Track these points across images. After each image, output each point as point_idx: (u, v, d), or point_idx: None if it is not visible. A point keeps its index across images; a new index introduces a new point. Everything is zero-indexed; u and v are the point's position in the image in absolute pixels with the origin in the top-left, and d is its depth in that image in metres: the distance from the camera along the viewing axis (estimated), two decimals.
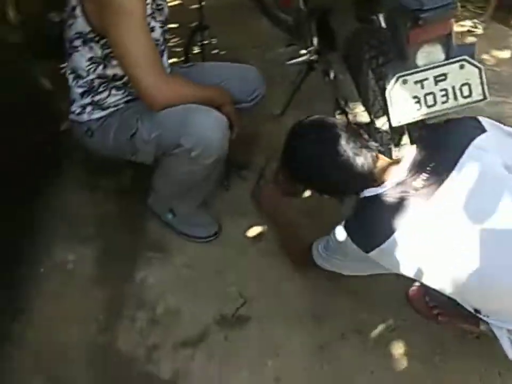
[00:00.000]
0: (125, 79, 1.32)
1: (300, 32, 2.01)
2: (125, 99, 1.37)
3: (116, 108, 1.36)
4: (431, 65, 0.99)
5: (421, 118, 1.03)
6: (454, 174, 0.89)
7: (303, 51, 1.79)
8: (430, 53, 0.99)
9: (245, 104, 1.53)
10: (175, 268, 1.50)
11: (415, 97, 1.01)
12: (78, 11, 1.16)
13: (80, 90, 1.34)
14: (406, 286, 1.32)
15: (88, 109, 1.36)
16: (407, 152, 0.98)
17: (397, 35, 1.01)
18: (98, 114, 1.36)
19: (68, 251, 1.47)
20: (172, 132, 1.20)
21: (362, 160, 0.96)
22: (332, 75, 1.62)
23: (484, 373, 1.17)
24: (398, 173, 0.95)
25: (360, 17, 1.59)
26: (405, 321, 1.29)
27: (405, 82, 1.00)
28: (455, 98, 1.00)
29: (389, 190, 0.95)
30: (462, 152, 0.90)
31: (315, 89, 2.19)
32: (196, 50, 2.27)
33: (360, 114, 1.44)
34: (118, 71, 1.29)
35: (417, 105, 1.01)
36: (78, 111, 1.38)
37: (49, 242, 1.49)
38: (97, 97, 1.33)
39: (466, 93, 1.00)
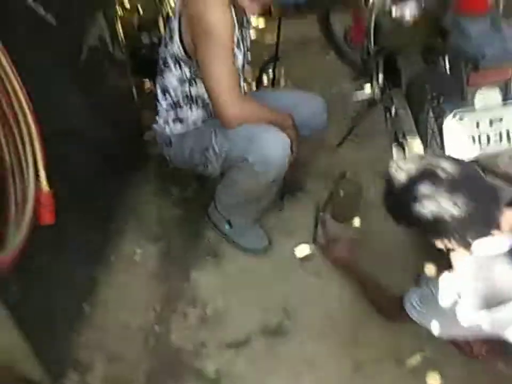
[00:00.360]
0: (206, 99, 1.49)
1: (366, 69, 2.13)
2: (203, 118, 1.54)
3: (194, 126, 1.54)
4: (488, 107, 1.05)
5: (473, 156, 1.08)
6: None
7: (367, 87, 1.88)
8: (488, 95, 1.05)
9: (305, 132, 1.64)
10: (226, 273, 1.62)
11: (470, 136, 1.07)
12: (175, 35, 1.35)
13: (165, 105, 1.53)
14: None
15: (171, 123, 1.55)
16: None
17: (458, 77, 1.09)
18: (179, 128, 1.55)
19: (136, 245, 1.66)
20: (240, 147, 1.34)
21: None
22: (393, 111, 1.69)
23: None
24: None
25: (426, 59, 1.68)
26: (443, 354, 1.29)
27: (461, 118, 1.06)
28: (509, 140, 1.05)
29: None
30: None
31: (373, 125, 2.28)
32: (266, 80, 2.44)
33: (417, 148, 1.49)
34: (200, 90, 1.46)
35: (471, 143, 1.07)
36: (162, 123, 1.57)
37: (121, 235, 1.68)
38: (180, 114, 1.52)
39: None
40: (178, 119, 1.53)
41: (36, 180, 0.91)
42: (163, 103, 1.54)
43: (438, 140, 1.32)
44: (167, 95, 1.51)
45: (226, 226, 1.72)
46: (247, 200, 1.54)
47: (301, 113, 1.56)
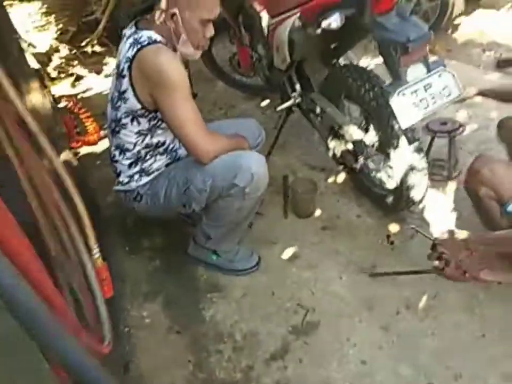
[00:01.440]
0: (167, 144, 1.54)
1: (272, 84, 2.38)
2: (166, 162, 1.57)
3: (158, 172, 1.56)
4: (419, 79, 1.35)
5: (421, 117, 1.36)
6: None
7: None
8: (416, 70, 1.35)
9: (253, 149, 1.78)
10: (235, 300, 1.64)
11: (413, 103, 1.34)
12: (128, 93, 1.38)
13: (127, 162, 1.52)
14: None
15: (136, 177, 1.54)
16: None
17: (390, 62, 1.36)
18: (145, 180, 1.55)
19: (139, 308, 1.57)
20: (225, 176, 1.41)
21: None
22: (318, 111, 1.95)
23: None
24: None
25: (326, 62, 1.99)
26: (443, 288, 1.53)
27: (404, 94, 1.34)
28: (441, 98, 1.36)
29: None
30: None
31: (292, 130, 2.56)
32: None
33: (355, 133, 1.75)
34: (161, 138, 1.51)
35: (416, 109, 1.35)
36: (126, 180, 1.55)
37: (121, 303, 1.57)
38: (144, 165, 1.53)
39: (447, 93, 1.36)
40: (143, 171, 1.54)
41: (90, 256, 0.87)
42: (124, 162, 1.53)
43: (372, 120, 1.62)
44: (126, 153, 1.51)
45: (214, 257, 1.75)
46: (237, 223, 1.59)
47: (246, 135, 1.68)
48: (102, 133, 2.96)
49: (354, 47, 1.97)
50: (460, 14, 3.51)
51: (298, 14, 1.69)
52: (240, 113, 3.04)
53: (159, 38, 1.36)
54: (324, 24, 1.38)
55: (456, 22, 3.71)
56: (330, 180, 2.20)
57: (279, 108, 2.12)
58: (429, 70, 1.36)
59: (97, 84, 4.01)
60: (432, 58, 1.39)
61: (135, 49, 1.32)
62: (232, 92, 3.21)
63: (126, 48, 1.35)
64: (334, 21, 1.37)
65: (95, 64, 4.10)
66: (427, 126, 1.97)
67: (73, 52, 3.98)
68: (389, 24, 1.33)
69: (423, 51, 1.33)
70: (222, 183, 1.42)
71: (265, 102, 3.08)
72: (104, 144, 2.84)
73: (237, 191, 1.43)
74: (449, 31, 3.71)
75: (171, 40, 1.40)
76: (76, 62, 4.02)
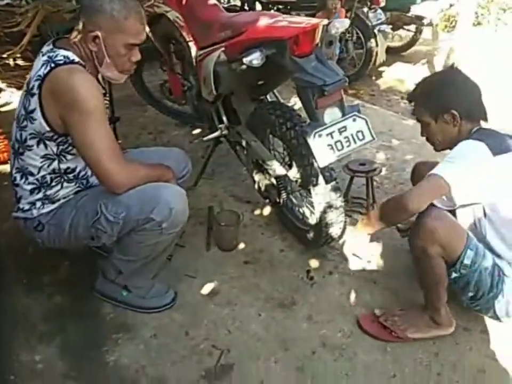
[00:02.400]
0: (77, 171, 1.42)
1: (199, 113, 2.37)
2: (75, 190, 1.45)
3: (65, 199, 1.43)
4: (334, 122, 1.39)
5: (336, 159, 1.40)
6: None
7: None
8: (331, 113, 1.40)
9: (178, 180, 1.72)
10: (144, 341, 1.51)
11: (329, 145, 1.38)
12: (36, 114, 1.26)
13: (29, 187, 1.38)
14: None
15: (38, 204, 1.40)
16: None
17: (307, 103, 1.40)
18: (48, 208, 1.41)
19: (32, 352, 1.38)
20: (141, 209, 1.32)
21: None
22: (244, 144, 1.95)
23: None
24: None
25: (253, 98, 2.02)
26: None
27: (320, 136, 1.37)
28: (355, 141, 1.41)
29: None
30: None
31: (220, 161, 2.55)
32: None
33: (278, 169, 1.77)
34: (71, 165, 1.39)
35: (331, 151, 1.39)
36: (26, 207, 1.40)
37: (10, 347, 1.37)
38: (49, 192, 1.39)
39: (361, 137, 1.42)
40: (47, 198, 1.40)
41: None
42: (25, 186, 1.39)
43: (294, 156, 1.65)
44: (29, 177, 1.38)
45: (124, 293, 1.62)
46: (153, 258, 1.49)
47: (172, 165, 1.61)
48: None
49: (281, 86, 2.03)
50: (383, 64, 3.82)
51: (223, 48, 1.70)
52: (169, 139, 2.99)
53: (76, 58, 1.28)
54: (245, 60, 1.40)
55: (379, 69, 4.04)
56: (256, 212, 2.19)
57: (205, 138, 2.11)
58: (344, 114, 1.41)
59: (16, 98, 3.73)
60: (349, 103, 1.46)
61: (48, 68, 1.23)
62: (162, 118, 3.17)
63: (39, 66, 1.26)
64: (255, 59, 1.39)
65: (16, 78, 3.83)
66: (347, 166, 2.06)
67: None
68: (307, 66, 1.37)
69: (338, 95, 1.39)
70: (138, 216, 1.33)
71: (196, 131, 3.06)
72: None
73: (153, 226, 1.34)
74: (373, 78, 4.02)
75: (90, 62, 1.33)
76: None
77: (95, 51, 1.31)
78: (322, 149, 1.37)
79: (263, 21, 1.52)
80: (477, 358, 1.43)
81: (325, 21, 1.41)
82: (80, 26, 1.30)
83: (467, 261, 1.32)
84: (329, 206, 1.62)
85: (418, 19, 4.00)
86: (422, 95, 1.42)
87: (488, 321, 1.52)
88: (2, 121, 2.85)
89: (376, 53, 3.61)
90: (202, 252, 1.94)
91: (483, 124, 1.41)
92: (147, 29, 1.40)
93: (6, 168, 2.52)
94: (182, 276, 1.79)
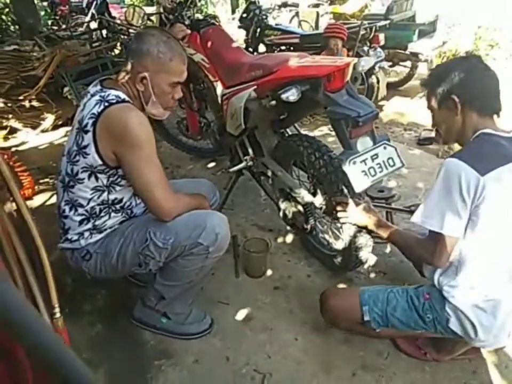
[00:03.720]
0: (124, 202, 1.49)
1: (222, 147, 2.49)
2: (121, 220, 1.51)
3: (111, 229, 1.49)
4: (367, 150, 1.50)
5: (370, 184, 1.50)
6: None
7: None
8: (364, 142, 1.51)
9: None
10: (186, 367, 1.54)
11: (363, 171, 1.48)
12: (89, 149, 1.35)
13: (79, 218, 1.45)
14: None
15: (86, 234, 1.46)
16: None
17: (341, 133, 1.51)
18: (96, 237, 1.47)
19: None
20: (189, 235, 1.39)
21: None
22: (270, 174, 2.05)
23: None
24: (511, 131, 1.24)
25: (275, 130, 2.14)
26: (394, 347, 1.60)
27: (354, 163, 1.48)
28: (386, 168, 1.52)
29: (504, 136, 1.22)
30: None
31: (239, 192, 2.64)
32: None
33: (306, 196, 1.86)
34: (118, 196, 1.47)
35: (366, 176, 1.49)
36: (75, 238, 1.46)
37: None
38: (97, 222, 1.46)
39: (392, 163, 1.53)
40: (95, 229, 1.47)
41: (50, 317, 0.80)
42: (75, 218, 1.45)
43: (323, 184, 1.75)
44: (78, 208, 1.44)
45: (163, 320, 1.66)
46: (194, 283, 1.55)
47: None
48: (37, 187, 2.82)
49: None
50: (383, 98, 4.03)
51: (254, 87, 1.83)
52: (186, 173, 3.09)
53: (126, 98, 1.38)
54: (284, 96, 1.52)
55: (380, 103, 4.24)
56: (280, 240, 2.26)
57: (231, 170, 2.20)
58: (375, 143, 1.53)
59: (32, 138, 3.85)
60: (377, 133, 1.57)
61: (102, 106, 1.33)
62: (177, 153, 3.28)
63: (91, 105, 1.35)
64: (291, 95, 1.51)
65: (31, 118, 3.96)
66: (366, 193, 2.15)
67: (8, 104, 3.82)
68: (340, 100, 1.50)
69: (370, 126, 1.51)
70: (186, 242, 1.40)
71: (212, 164, 3.17)
72: (39, 199, 2.68)
73: (200, 250, 1.41)
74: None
75: (136, 100, 1.44)
76: (10, 116, 3.85)
77: (142, 90, 1.42)
78: (357, 175, 1.47)
79: (293, 61, 1.66)
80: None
81: (355, 59, 1.55)
82: (129, 67, 1.41)
83: (367, 317, 1.40)
84: (359, 231, 1.69)
85: (415, 56, 4.26)
86: (431, 79, 1.35)
87: None
88: (24, 159, 2.94)
89: (378, 88, 3.81)
90: (232, 279, 2.00)
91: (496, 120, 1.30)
92: None
93: (31, 203, 2.59)
94: (215, 302, 1.84)
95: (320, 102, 1.55)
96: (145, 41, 1.37)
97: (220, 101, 2.18)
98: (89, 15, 6.90)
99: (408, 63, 4.51)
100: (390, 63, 4.28)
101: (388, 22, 3.94)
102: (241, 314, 1.78)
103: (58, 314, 0.79)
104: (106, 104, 1.34)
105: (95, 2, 7.18)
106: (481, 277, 1.27)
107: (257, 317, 1.77)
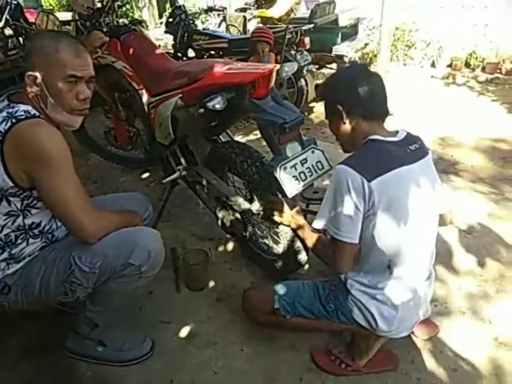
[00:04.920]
0: (42, 225, 1.36)
1: (152, 157, 2.40)
2: (41, 246, 1.38)
3: (31, 257, 1.36)
4: (296, 155, 1.52)
5: (302, 188, 1.51)
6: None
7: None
8: (292, 148, 1.52)
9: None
10: None
11: (294, 176, 1.49)
12: (0, 170, 1.21)
13: None
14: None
15: (2, 265, 1.32)
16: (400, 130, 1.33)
17: (270, 139, 1.51)
18: (14, 268, 1.33)
19: None
20: (118, 255, 1.30)
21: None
22: (204, 183, 2.00)
23: None
24: (398, 135, 1.30)
25: (207, 138, 2.11)
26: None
27: (285, 168, 1.48)
28: (316, 171, 1.54)
29: (390, 141, 1.26)
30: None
31: (176, 202, 2.56)
32: None
33: (243, 204, 1.84)
34: (35, 219, 1.33)
35: (297, 181, 1.50)
36: None
37: None
38: (14, 251, 1.32)
39: (320, 167, 1.56)
40: (12, 258, 1.33)
41: None
42: None
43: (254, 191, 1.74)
44: None
45: (99, 348, 1.55)
46: (129, 306, 1.46)
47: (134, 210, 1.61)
48: None
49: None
50: (313, 100, 4.14)
51: (180, 95, 1.77)
52: (118, 186, 2.94)
53: (37, 113, 1.27)
54: (209, 105, 1.48)
55: (310, 105, 4.36)
56: (220, 248, 2.22)
57: (165, 180, 2.12)
58: (303, 147, 1.55)
59: None
60: (304, 137, 1.59)
61: (9, 123, 1.20)
62: (107, 165, 3.11)
63: None
64: (217, 103, 1.49)
65: None
66: (302, 195, 2.18)
67: None
68: (266, 107, 1.50)
69: (297, 131, 1.52)
70: (115, 263, 1.31)
71: (146, 175, 3.05)
72: None
73: (133, 271, 1.32)
74: (306, 113, 4.32)
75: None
76: None
77: (38, 94, 1.27)
78: (289, 180, 1.48)
79: (218, 68, 1.63)
80: None
81: (278, 66, 1.56)
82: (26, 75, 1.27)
83: (276, 305, 1.44)
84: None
85: (339, 58, 4.44)
86: (321, 91, 1.39)
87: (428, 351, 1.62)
88: None
89: (307, 91, 3.92)
90: (172, 295, 1.92)
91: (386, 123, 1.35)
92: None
93: None
94: (156, 322, 1.76)
95: (247, 109, 1.53)
96: (31, 40, 1.28)
97: (146, 110, 2.10)
98: (3, 20, 6.36)
99: (334, 65, 4.68)
100: (317, 66, 4.41)
101: (312, 25, 4.06)
102: (184, 332, 1.72)
103: None
104: (13, 120, 1.21)
105: (8, 7, 6.63)
106: (379, 272, 1.33)
107: (201, 332, 1.72)
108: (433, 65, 5.99)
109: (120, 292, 1.37)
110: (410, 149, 1.29)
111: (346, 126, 1.31)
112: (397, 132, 1.33)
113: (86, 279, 1.31)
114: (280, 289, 1.47)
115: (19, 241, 1.33)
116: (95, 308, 1.43)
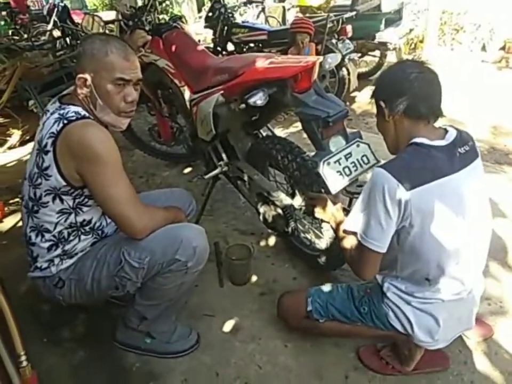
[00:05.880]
0: (93, 222, 1.42)
1: (195, 153, 2.43)
2: (92, 242, 1.44)
3: (83, 253, 1.42)
4: (340, 149, 1.47)
5: (346, 184, 1.47)
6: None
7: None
8: (336, 142, 1.48)
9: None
10: None
11: (338, 171, 1.46)
12: (51, 170, 1.27)
13: (47, 244, 1.37)
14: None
15: (57, 260, 1.39)
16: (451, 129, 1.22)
17: (312, 134, 1.48)
18: (67, 263, 1.40)
19: None
20: (165, 251, 1.33)
21: None
22: (246, 178, 2.00)
23: None
24: (447, 136, 1.19)
25: (248, 133, 2.10)
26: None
27: (329, 163, 1.45)
28: (361, 166, 1.50)
29: (437, 146, 1.16)
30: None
31: (218, 197, 2.59)
32: None
33: (284, 199, 1.82)
34: (86, 217, 1.39)
35: (341, 176, 1.46)
36: (44, 265, 1.39)
37: None
38: (67, 247, 1.38)
39: (366, 161, 1.51)
40: (65, 254, 1.39)
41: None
42: (42, 244, 1.37)
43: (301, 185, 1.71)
44: (45, 234, 1.37)
45: (148, 340, 1.60)
46: (176, 300, 1.50)
47: (178, 205, 1.64)
48: (6, 209, 2.70)
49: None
50: (355, 90, 4.02)
51: (221, 91, 1.78)
52: (161, 180, 3.01)
53: (87, 113, 1.31)
54: (250, 101, 1.47)
55: (352, 95, 4.24)
56: (262, 243, 2.22)
57: (207, 176, 2.14)
58: (347, 141, 1.50)
59: None
60: (349, 130, 1.55)
61: (61, 124, 1.25)
62: (151, 160, 3.20)
63: (50, 123, 1.27)
64: (259, 99, 1.47)
65: None
66: (345, 189, 2.13)
67: None
68: (309, 101, 1.46)
69: (341, 125, 1.48)
70: (162, 259, 1.34)
71: (188, 170, 3.10)
72: (9, 222, 2.56)
73: (179, 266, 1.35)
74: (348, 103, 4.21)
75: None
76: None
77: (88, 95, 1.31)
78: (332, 176, 1.44)
79: (259, 63, 1.61)
80: None
81: (321, 58, 1.51)
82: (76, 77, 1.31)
83: (309, 307, 1.42)
84: None
85: (383, 45, 4.27)
86: (373, 87, 1.32)
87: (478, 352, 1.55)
88: None
89: (349, 80, 3.81)
90: (216, 288, 1.95)
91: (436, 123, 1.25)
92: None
93: (1, 227, 2.48)
94: (200, 315, 1.79)
95: (289, 104, 1.51)
96: (81, 44, 1.31)
97: (188, 107, 2.12)
98: (51, 23, 6.67)
99: (377, 53, 4.52)
100: (360, 54, 4.28)
101: (354, 13, 3.93)
102: (228, 326, 1.74)
103: (25, 363, 0.73)
104: (65, 121, 1.26)
105: (56, 10, 6.94)
106: (418, 283, 1.28)
107: (245, 326, 1.73)
108: (483, 48, 5.63)
109: (167, 286, 1.41)
110: (459, 152, 1.18)
111: (390, 125, 1.24)
112: (446, 131, 1.22)
113: (136, 274, 1.35)
114: (314, 292, 1.46)
115: (71, 237, 1.39)
116: (144, 301, 1.48)
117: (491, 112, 3.80)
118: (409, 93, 1.17)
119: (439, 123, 1.27)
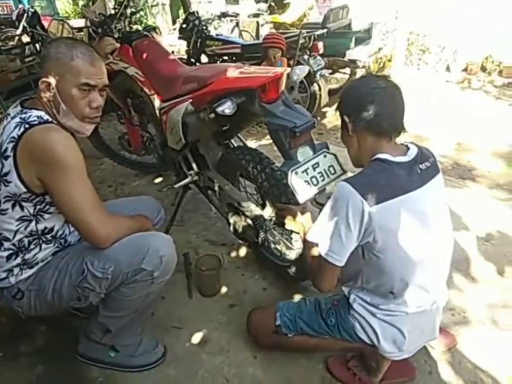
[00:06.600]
0: (55, 230, 1.37)
1: (165, 162, 2.40)
2: (53, 251, 1.38)
3: (44, 262, 1.36)
4: (307, 159, 1.50)
5: (313, 193, 1.49)
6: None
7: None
8: (304, 152, 1.50)
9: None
10: None
11: (305, 181, 1.47)
12: (11, 176, 1.22)
13: (6, 253, 1.31)
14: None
15: (16, 270, 1.32)
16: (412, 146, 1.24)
17: (280, 144, 1.49)
18: (27, 273, 1.34)
19: None
20: (131, 261, 1.29)
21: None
22: (216, 188, 2.00)
23: None
24: (408, 153, 1.20)
25: (218, 142, 2.10)
26: None
27: (296, 173, 1.46)
28: (328, 176, 1.52)
29: (399, 162, 1.17)
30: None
31: (188, 206, 2.56)
32: None
33: (254, 209, 1.82)
34: (48, 224, 1.34)
35: (309, 186, 1.48)
36: (2, 276, 1.32)
37: None
38: (27, 256, 1.32)
39: (332, 171, 1.53)
40: (25, 263, 1.33)
41: None
42: (1, 253, 1.31)
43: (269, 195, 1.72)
44: (4, 243, 1.31)
45: (112, 354, 1.55)
46: (142, 311, 1.45)
47: (146, 214, 1.61)
48: None
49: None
50: (326, 105, 4.12)
51: (190, 100, 1.77)
52: (131, 190, 2.96)
53: (50, 118, 1.27)
54: (218, 110, 1.48)
55: (323, 110, 4.33)
56: (233, 254, 2.21)
57: (177, 185, 2.12)
58: (314, 152, 1.53)
59: None
60: (316, 142, 1.57)
61: (22, 129, 1.21)
62: (120, 169, 3.14)
63: (11, 128, 1.23)
64: (227, 108, 1.48)
65: None
66: (315, 200, 2.16)
67: None
68: (277, 111, 1.48)
69: (308, 135, 1.50)
70: (127, 269, 1.30)
71: (158, 179, 3.06)
72: None
73: (144, 276, 1.32)
74: (319, 118, 4.30)
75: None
76: None
77: (51, 100, 1.28)
78: (300, 185, 1.46)
79: (228, 73, 1.62)
80: None
81: (288, 69, 1.54)
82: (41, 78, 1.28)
83: (278, 322, 1.43)
84: None
85: (353, 62, 4.41)
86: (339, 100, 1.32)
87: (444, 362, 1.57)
88: None
89: (320, 96, 3.89)
90: (184, 300, 1.91)
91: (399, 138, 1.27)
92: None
93: None
94: (167, 327, 1.74)
95: (257, 114, 1.52)
96: (46, 47, 1.28)
97: (158, 115, 2.10)
98: (20, 28, 6.50)
99: (348, 70, 4.65)
100: (330, 71, 4.39)
101: (325, 30, 4.04)
102: (196, 338, 1.70)
103: None
104: (26, 126, 1.22)
105: (26, 15, 6.79)
106: (382, 295, 1.29)
107: (213, 338, 1.70)
108: (448, 69, 5.91)
109: (132, 297, 1.37)
110: (420, 169, 1.20)
111: (353, 139, 1.24)
112: (408, 148, 1.24)
113: (99, 284, 1.31)
114: (282, 306, 1.47)
115: (32, 246, 1.33)
116: (108, 313, 1.43)
117: (455, 129, 3.97)
118: (372, 109, 1.17)
119: (406, 139, 1.30)
